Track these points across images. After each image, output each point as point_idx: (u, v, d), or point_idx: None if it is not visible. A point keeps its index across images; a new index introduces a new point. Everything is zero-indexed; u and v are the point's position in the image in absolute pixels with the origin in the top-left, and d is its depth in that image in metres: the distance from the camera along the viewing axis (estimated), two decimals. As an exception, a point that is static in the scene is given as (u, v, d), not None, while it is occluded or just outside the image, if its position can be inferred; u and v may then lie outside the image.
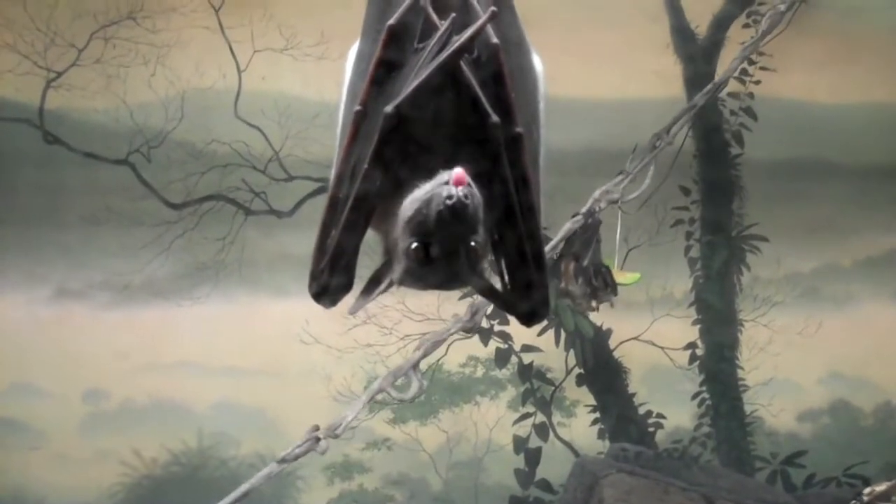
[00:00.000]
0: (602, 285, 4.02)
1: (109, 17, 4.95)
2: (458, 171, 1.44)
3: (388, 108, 1.48)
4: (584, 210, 3.88)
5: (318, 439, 3.18)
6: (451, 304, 4.68)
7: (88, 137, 4.98)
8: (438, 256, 1.46)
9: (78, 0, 4.93)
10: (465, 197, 1.42)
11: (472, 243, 1.47)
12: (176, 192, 5.04)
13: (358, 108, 1.53)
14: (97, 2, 4.94)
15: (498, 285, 1.61)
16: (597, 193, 3.88)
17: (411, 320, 4.96)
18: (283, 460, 3.19)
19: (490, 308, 3.64)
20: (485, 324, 4.91)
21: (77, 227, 4.97)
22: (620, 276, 4.12)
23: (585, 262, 3.94)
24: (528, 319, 1.64)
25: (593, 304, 4.17)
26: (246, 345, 5.01)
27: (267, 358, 5.02)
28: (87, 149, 4.97)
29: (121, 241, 4.98)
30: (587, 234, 3.92)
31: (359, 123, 1.53)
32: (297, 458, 3.20)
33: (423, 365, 4.73)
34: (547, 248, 3.75)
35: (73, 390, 4.97)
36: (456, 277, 1.51)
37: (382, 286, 1.55)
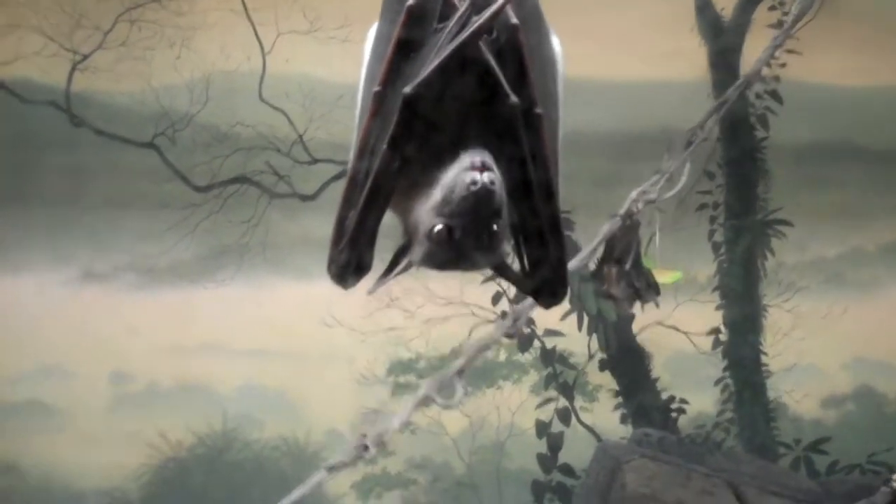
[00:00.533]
0: (644, 286, 4.01)
1: (135, -1, 4.98)
2: (480, 160, 1.45)
3: (408, 89, 1.48)
4: (621, 212, 3.87)
5: (365, 447, 3.20)
6: (474, 287, 4.69)
7: (114, 120, 5.02)
8: (461, 239, 1.47)
9: (103, -17, 4.96)
10: (491, 182, 1.43)
11: (494, 226, 1.47)
12: (201, 174, 5.07)
13: (377, 88, 1.53)
14: (122, -16, 4.97)
15: (518, 267, 1.62)
16: (634, 194, 3.85)
17: (434, 304, 4.97)
18: (332, 468, 3.22)
19: (515, 295, 3.64)
20: (507, 308, 4.92)
21: (102, 209, 5.01)
22: (661, 276, 4.10)
23: (628, 266, 3.94)
24: (547, 301, 1.65)
25: (637, 305, 4.17)
26: (269, 327, 5.03)
27: (290, 340, 5.05)
28: (113, 131, 5.01)
29: (146, 223, 5.02)
30: (627, 237, 3.92)
31: (378, 104, 1.53)
32: (345, 466, 3.22)
33: (447, 349, 4.78)
34: (585, 252, 3.77)
35: (98, 372, 5.02)
36: (477, 259, 1.52)
37: (401, 266, 1.56)
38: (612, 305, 5.02)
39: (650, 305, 4.43)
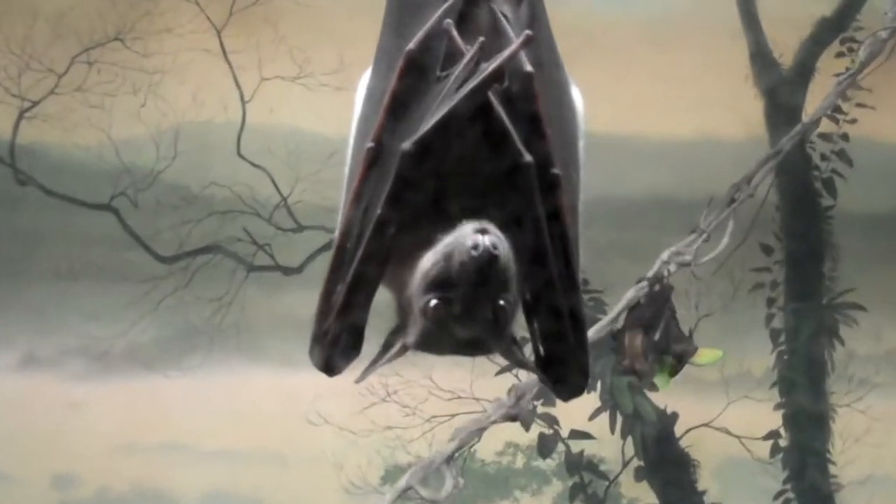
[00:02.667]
0: (681, 353, 4.02)
1: (94, 38, 5.06)
2: (483, 226, 1.48)
3: (406, 145, 1.52)
4: (650, 274, 3.88)
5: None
6: (486, 381, 4.70)
7: (66, 177, 5.07)
8: (461, 316, 1.48)
9: (58, 19, 5.04)
10: (494, 247, 1.45)
11: (501, 301, 1.49)
12: (166, 242, 5.11)
13: (370, 144, 1.56)
14: (80, 21, 5.05)
15: (530, 352, 1.63)
16: (665, 255, 3.88)
17: (439, 398, 4.98)
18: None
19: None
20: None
21: (50, 282, 5.04)
22: (700, 355, 4.12)
23: (657, 336, 3.94)
24: (566, 392, 1.66)
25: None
26: (243, 424, 5.04)
27: (268, 440, 5.05)
28: (65, 191, 5.06)
29: (100, 299, 5.04)
30: (657, 304, 3.93)
31: (371, 162, 1.56)
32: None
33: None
34: (606, 321, 3.78)
35: (41, 475, 5.01)
36: (480, 341, 1.53)
37: (394, 351, 1.57)
38: (651, 405, 5.04)
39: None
